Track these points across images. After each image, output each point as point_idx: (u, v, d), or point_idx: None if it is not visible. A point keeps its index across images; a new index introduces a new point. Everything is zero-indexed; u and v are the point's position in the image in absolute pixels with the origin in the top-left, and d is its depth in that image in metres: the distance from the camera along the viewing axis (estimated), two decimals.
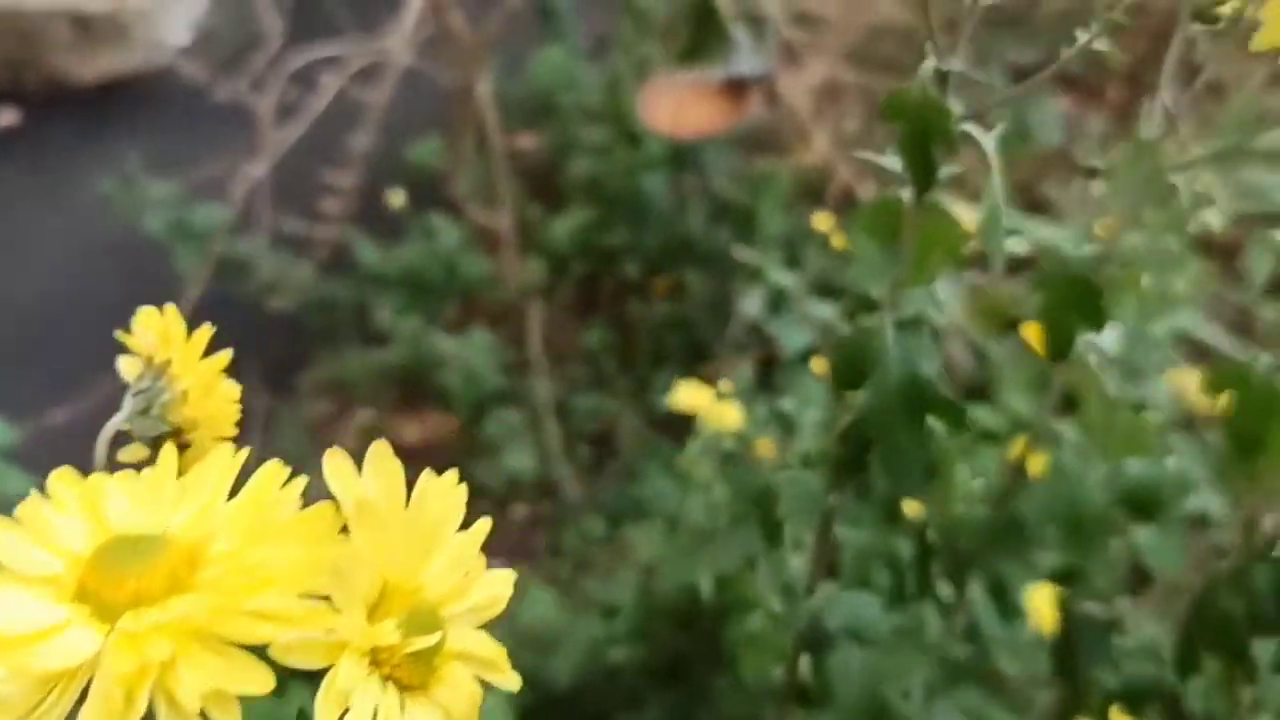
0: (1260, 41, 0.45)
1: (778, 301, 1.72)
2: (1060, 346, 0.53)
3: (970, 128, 0.40)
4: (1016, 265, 0.51)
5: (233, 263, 2.02)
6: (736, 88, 1.58)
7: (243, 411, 0.37)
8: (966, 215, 0.40)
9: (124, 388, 0.35)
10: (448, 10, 2.06)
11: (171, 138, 2.51)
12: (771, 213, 2.23)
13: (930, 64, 0.39)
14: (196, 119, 2.24)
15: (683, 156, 2.36)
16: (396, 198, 2.25)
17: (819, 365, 1.09)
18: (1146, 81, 2.50)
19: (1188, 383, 0.79)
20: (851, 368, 0.40)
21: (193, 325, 0.37)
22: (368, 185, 2.21)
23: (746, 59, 1.66)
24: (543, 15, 2.45)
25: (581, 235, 2.36)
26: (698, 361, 2.12)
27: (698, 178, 2.40)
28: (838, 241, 1.39)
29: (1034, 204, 2.53)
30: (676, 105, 1.57)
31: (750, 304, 1.81)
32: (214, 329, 0.37)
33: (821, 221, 1.44)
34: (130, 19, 2.64)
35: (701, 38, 2.01)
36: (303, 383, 2.28)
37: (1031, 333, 0.58)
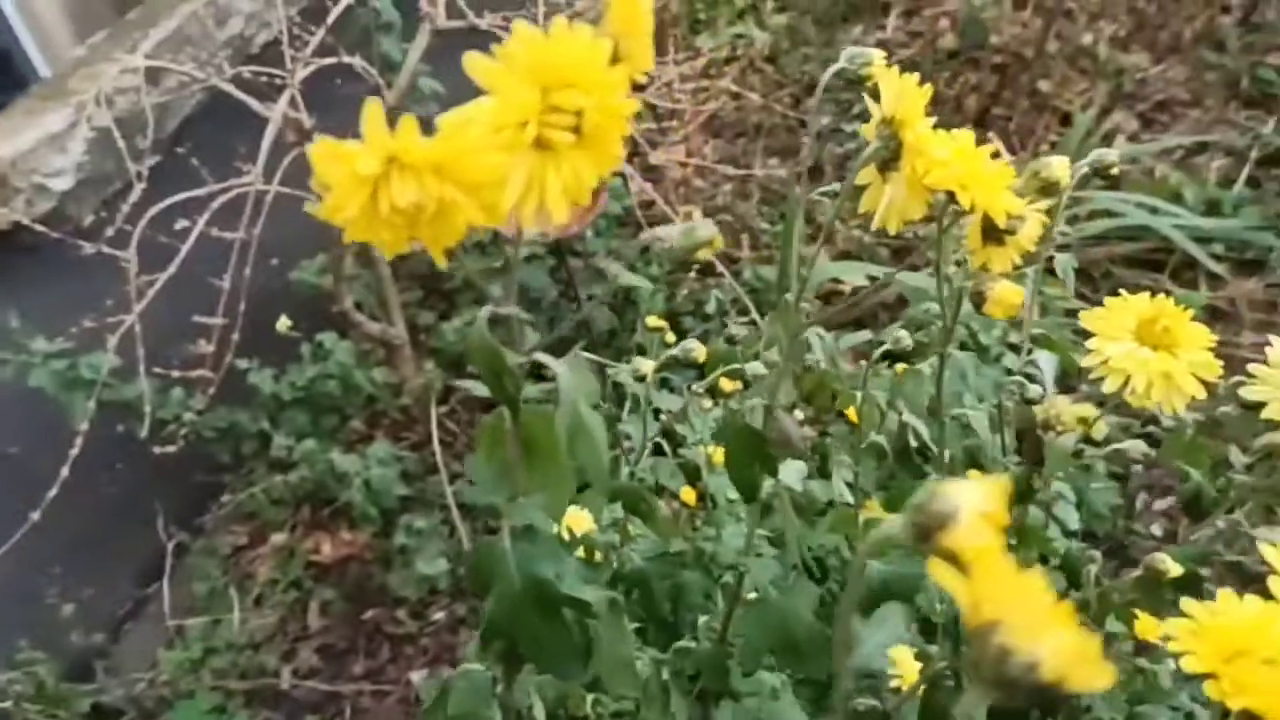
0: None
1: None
2: (747, 491, 0.57)
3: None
4: None
5: (126, 406, 2.03)
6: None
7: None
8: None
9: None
10: (311, 134, 2.10)
11: (52, 287, 2.53)
12: (652, 292, 2.29)
13: (486, 310, 0.44)
14: (75, 266, 2.25)
15: (562, 245, 2.41)
16: (283, 323, 2.28)
17: None
18: (995, 119, 2.58)
19: None
20: (479, 576, 0.44)
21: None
22: (257, 313, 2.24)
23: None
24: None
25: (464, 335, 2.40)
26: None
27: (584, 262, 2.46)
28: (669, 339, 1.44)
29: (904, 249, 2.62)
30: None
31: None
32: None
33: (654, 321, 1.49)
34: (5, 169, 2.67)
35: None
36: (213, 516, 2.29)
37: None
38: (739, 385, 0.79)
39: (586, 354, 1.28)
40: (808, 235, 2.69)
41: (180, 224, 1.83)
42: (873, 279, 0.94)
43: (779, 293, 2.53)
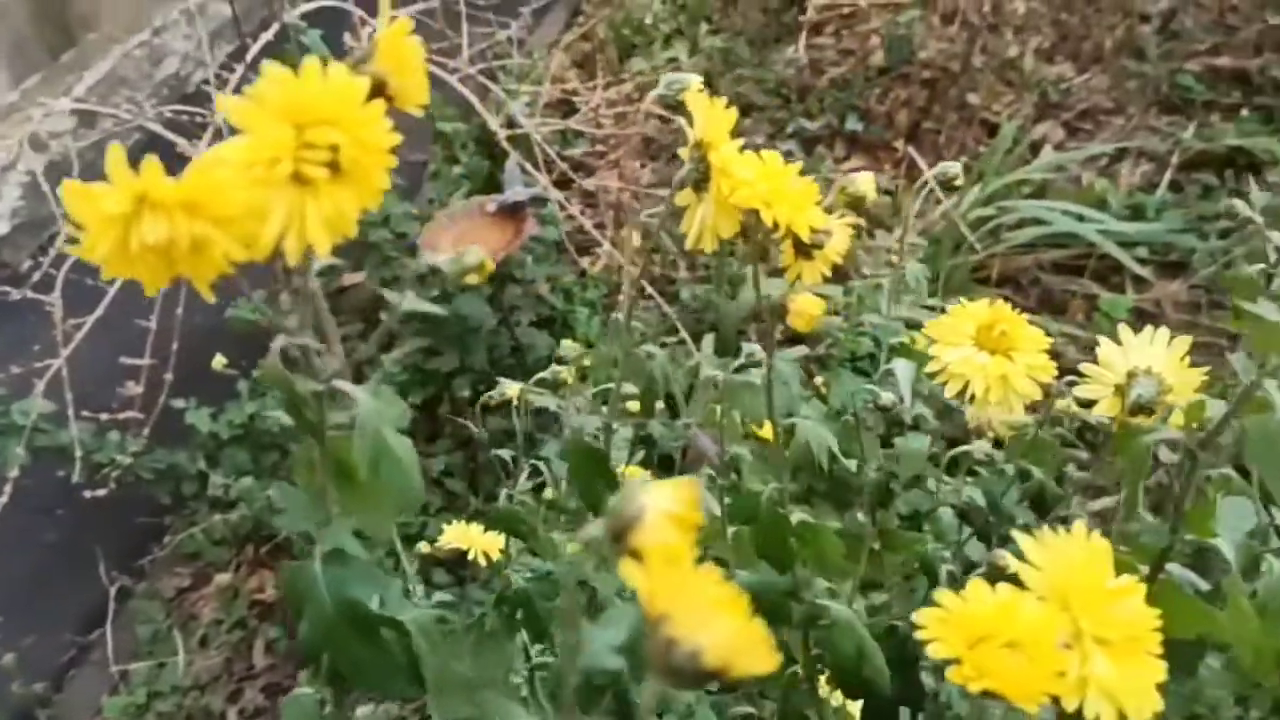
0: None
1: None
2: (594, 507, 0.58)
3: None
4: None
5: (61, 451, 2.02)
6: (511, 213, 1.65)
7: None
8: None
9: None
10: None
11: None
12: (587, 316, 2.31)
13: (279, 341, 0.45)
14: (7, 311, 2.24)
15: (500, 273, 2.43)
16: (219, 360, 2.28)
17: None
18: (926, 133, 2.62)
19: None
20: (293, 599, 0.46)
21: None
22: (194, 352, 2.23)
23: (518, 185, 1.74)
24: None
25: (412, 364, 2.41)
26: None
27: (522, 289, 2.47)
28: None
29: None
30: (457, 237, 1.63)
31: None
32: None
33: (569, 345, 1.50)
34: None
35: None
36: (155, 558, 2.28)
37: None
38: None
39: (515, 381, 1.29)
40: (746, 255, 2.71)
41: None
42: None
43: (716, 312, 2.55)
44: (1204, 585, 0.52)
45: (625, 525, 0.30)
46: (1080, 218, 2.40)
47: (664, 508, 0.30)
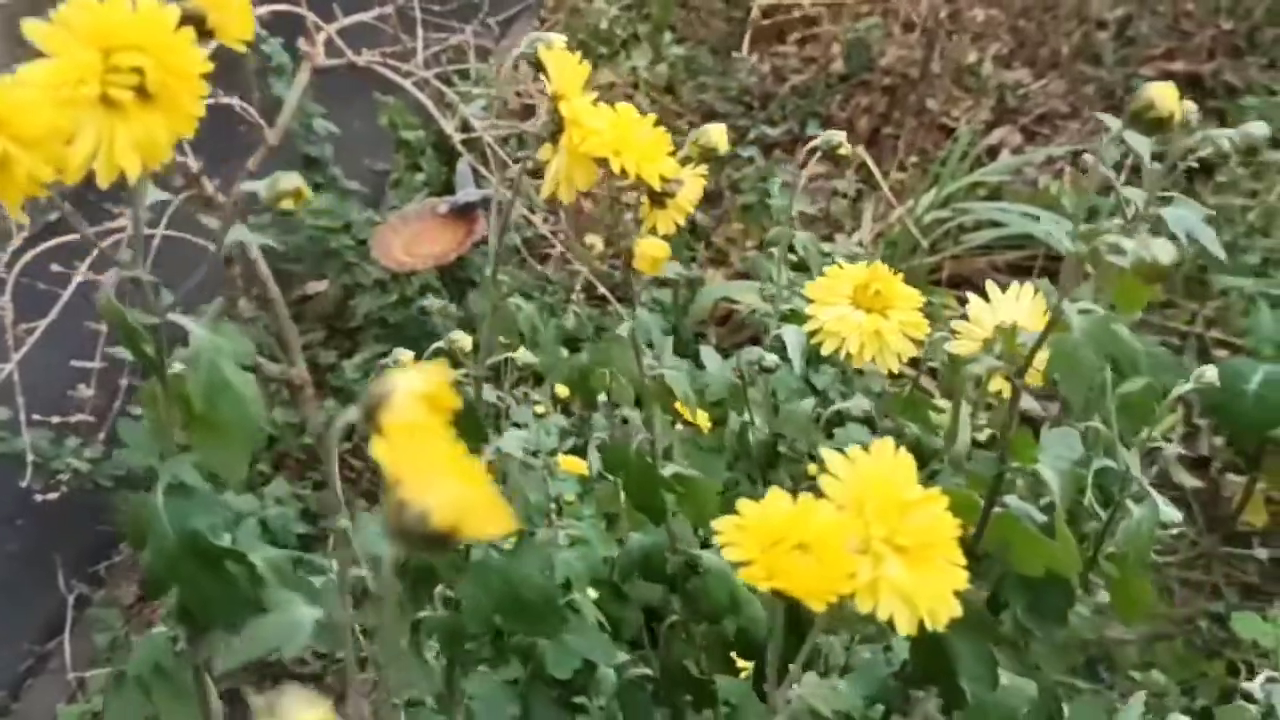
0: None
1: None
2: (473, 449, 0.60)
3: None
4: None
5: (18, 459, 2.01)
6: (463, 214, 1.67)
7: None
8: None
9: None
10: (199, 178, 2.12)
11: None
12: (546, 319, 2.32)
13: (113, 274, 0.46)
14: None
15: (459, 277, 2.45)
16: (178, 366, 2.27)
17: None
18: (886, 138, 2.64)
19: None
20: (135, 531, 0.47)
21: None
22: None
23: (469, 186, 1.76)
24: (304, 163, 2.53)
25: (372, 370, 2.42)
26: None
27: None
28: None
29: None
30: (409, 239, 1.65)
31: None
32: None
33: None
34: None
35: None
36: (114, 565, 2.28)
37: None
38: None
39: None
40: (706, 259, 2.74)
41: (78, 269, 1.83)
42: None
43: (675, 314, 2.57)
44: (1042, 518, 0.53)
45: (376, 404, 0.31)
46: (1036, 219, 2.43)
47: (413, 388, 0.31)
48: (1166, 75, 2.82)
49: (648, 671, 0.76)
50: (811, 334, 0.68)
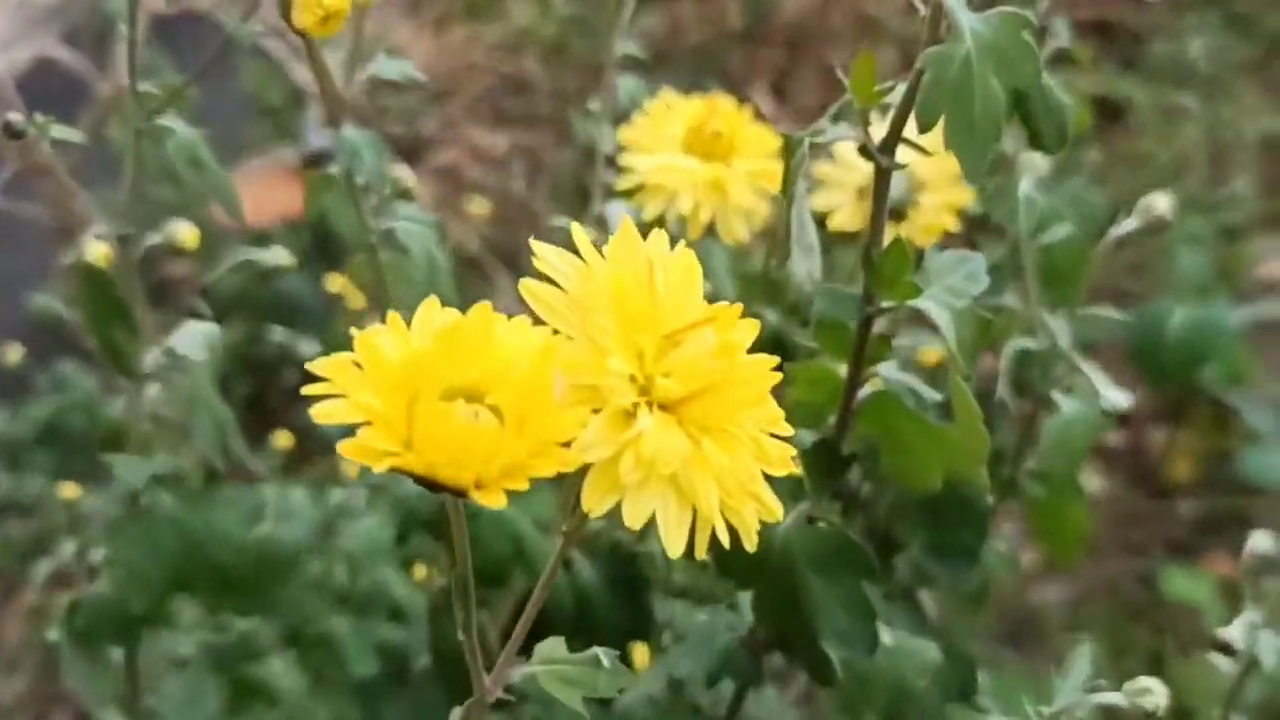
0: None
1: None
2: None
3: None
4: None
5: None
6: (313, 166, 1.46)
7: None
8: None
9: None
10: (35, 145, 1.89)
11: None
12: None
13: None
14: None
15: (327, 248, 2.23)
16: (13, 353, 2.03)
17: None
18: (788, 91, 2.48)
19: None
20: None
21: None
22: None
23: (318, 136, 1.55)
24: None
25: (236, 353, 2.19)
26: None
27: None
28: (354, 301, 1.28)
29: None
30: (256, 194, 1.42)
31: None
32: None
33: (334, 282, 1.32)
34: None
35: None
36: None
37: None
38: None
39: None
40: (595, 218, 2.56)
41: None
42: None
43: None
44: (933, 394, 0.36)
45: None
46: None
47: None
48: (1076, 25, 2.71)
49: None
50: (631, 194, 0.51)
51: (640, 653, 0.58)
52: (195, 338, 0.45)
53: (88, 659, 0.47)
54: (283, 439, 1.05)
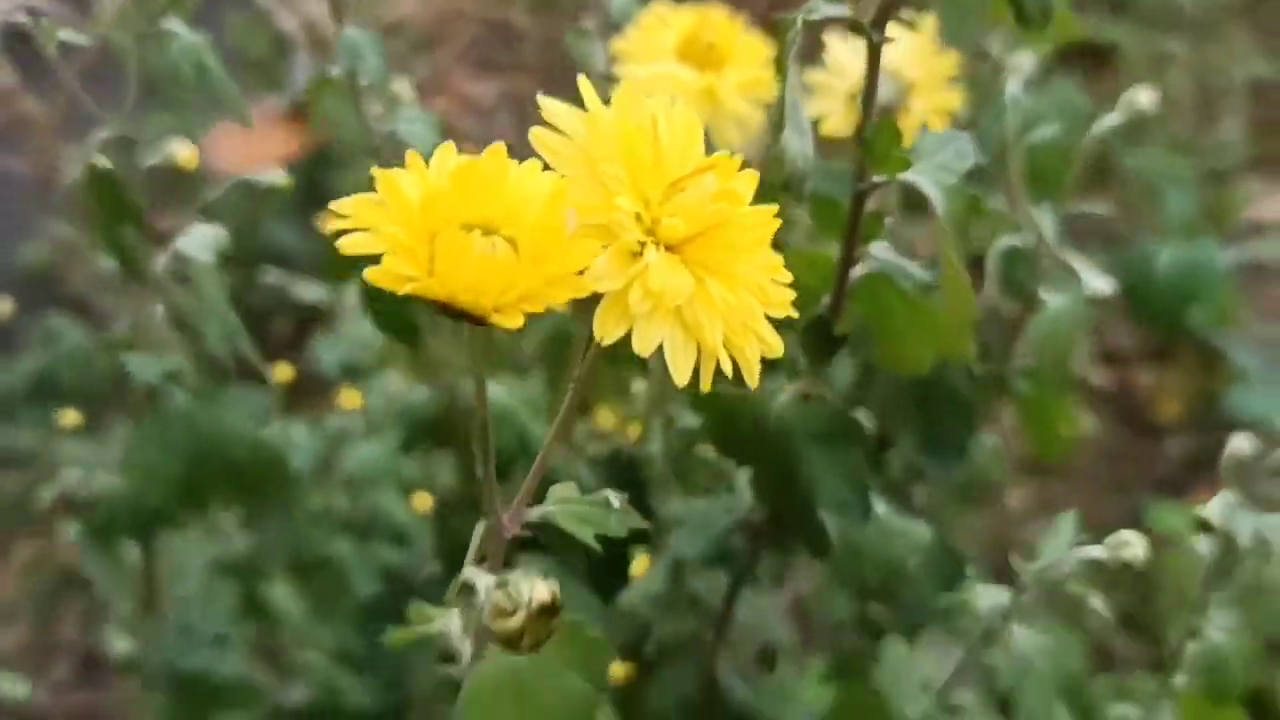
0: None
1: None
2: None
3: None
4: None
5: None
6: (301, 110, 1.46)
7: None
8: None
9: None
10: (17, 98, 1.87)
11: None
12: None
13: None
14: None
15: (317, 192, 2.23)
16: (4, 305, 2.03)
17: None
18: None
19: None
20: None
21: None
22: None
23: (302, 76, 1.55)
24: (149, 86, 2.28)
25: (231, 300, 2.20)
26: None
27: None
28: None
29: None
30: (244, 143, 1.43)
31: None
32: None
33: (325, 222, 1.33)
34: None
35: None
36: None
37: None
38: None
39: None
40: None
41: None
42: None
43: None
44: (923, 274, 0.37)
45: None
46: None
47: None
48: None
49: None
50: None
51: (641, 559, 0.59)
52: (202, 239, 0.46)
53: (106, 556, 0.48)
54: (282, 371, 1.06)
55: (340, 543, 0.77)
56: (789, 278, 0.26)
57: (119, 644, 0.75)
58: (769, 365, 0.26)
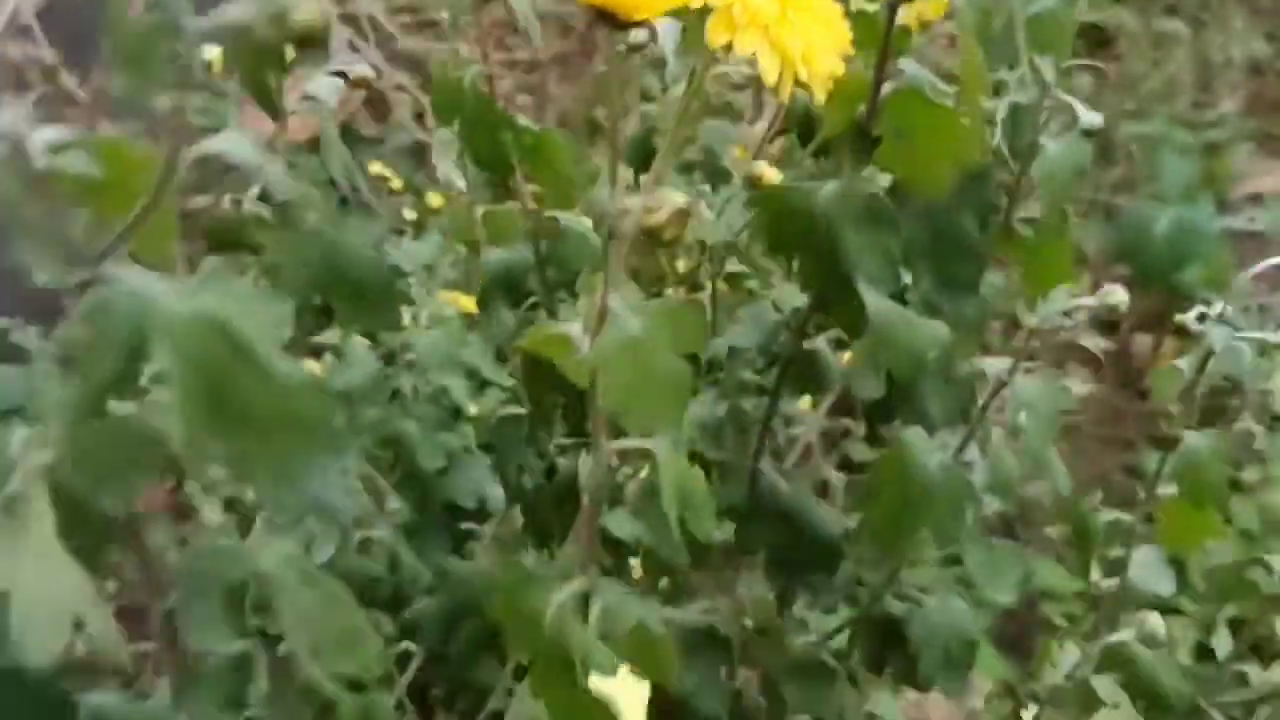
0: None
1: None
2: None
3: None
4: None
5: None
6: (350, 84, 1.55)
7: None
8: None
9: None
10: (58, 74, 1.96)
11: None
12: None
13: None
14: None
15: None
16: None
17: None
18: None
19: None
20: None
21: None
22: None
23: (343, 60, 1.64)
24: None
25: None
26: None
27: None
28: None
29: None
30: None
31: None
32: None
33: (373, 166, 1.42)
34: None
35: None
36: None
37: None
38: None
39: None
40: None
41: None
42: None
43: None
44: (947, 91, 0.45)
45: None
46: None
47: None
48: None
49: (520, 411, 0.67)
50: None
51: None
52: (328, 85, 0.54)
53: None
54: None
55: (407, 421, 0.84)
56: (846, 26, 0.34)
57: None
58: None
